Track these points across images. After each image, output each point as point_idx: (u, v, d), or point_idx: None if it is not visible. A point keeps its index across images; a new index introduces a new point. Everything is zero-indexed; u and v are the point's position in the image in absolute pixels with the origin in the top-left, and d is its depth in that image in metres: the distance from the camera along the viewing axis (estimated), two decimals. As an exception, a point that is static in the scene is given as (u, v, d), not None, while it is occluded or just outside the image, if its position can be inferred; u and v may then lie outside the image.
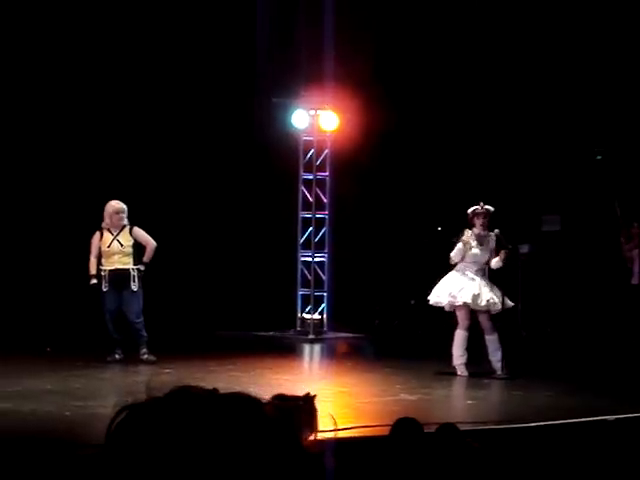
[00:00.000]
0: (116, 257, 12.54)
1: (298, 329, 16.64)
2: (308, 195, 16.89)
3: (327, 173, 16.87)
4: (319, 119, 16.67)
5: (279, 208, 16.67)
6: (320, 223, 16.90)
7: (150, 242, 12.62)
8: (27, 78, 15.70)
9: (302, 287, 16.92)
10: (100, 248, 12.58)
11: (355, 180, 16.31)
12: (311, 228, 16.83)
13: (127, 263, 12.54)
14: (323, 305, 16.79)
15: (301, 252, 16.94)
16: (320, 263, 16.91)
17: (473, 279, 12.10)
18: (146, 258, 12.58)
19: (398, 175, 16.84)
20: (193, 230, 16.28)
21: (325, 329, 16.64)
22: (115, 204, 12.65)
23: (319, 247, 16.87)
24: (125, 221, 12.64)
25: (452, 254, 12.16)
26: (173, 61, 16.27)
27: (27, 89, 15.71)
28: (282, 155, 16.63)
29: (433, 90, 16.57)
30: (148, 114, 16.14)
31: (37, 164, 15.82)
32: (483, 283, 12.10)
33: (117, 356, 12.52)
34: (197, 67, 16.41)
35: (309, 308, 16.75)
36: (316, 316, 16.72)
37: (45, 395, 10.03)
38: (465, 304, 12.00)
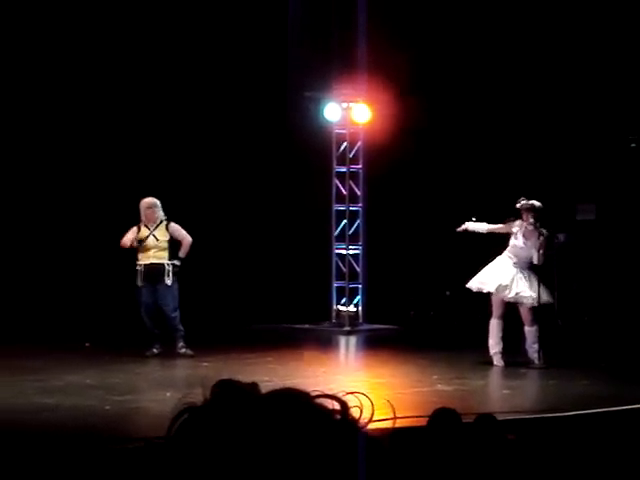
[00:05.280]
0: (151, 252, 12.64)
1: (333, 321, 16.68)
2: (342, 188, 16.91)
3: (360, 165, 16.88)
4: (351, 112, 16.69)
5: (313, 201, 16.68)
6: (354, 215, 16.92)
7: (186, 238, 12.72)
8: (65, 71, 15.82)
9: (337, 279, 16.96)
10: (135, 241, 12.68)
11: (388, 172, 16.30)
12: (345, 221, 16.85)
13: (162, 258, 12.64)
14: (358, 297, 16.82)
15: (335, 245, 16.97)
16: (354, 255, 16.94)
17: (509, 270, 12.06)
18: (182, 253, 12.67)
19: (431, 166, 16.81)
20: (229, 224, 16.34)
21: (360, 321, 16.66)
22: (147, 199, 12.79)
23: (353, 239, 16.89)
24: (161, 216, 12.74)
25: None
26: (207, 57, 16.32)
27: (70, 83, 15.82)
28: (315, 148, 16.65)
29: (466, 81, 16.53)
30: (185, 110, 16.21)
31: (75, 161, 15.93)
32: (520, 276, 12.05)
33: (155, 350, 12.62)
34: (230, 62, 16.45)
35: (344, 300, 16.79)
36: (351, 308, 16.75)
37: (85, 390, 10.14)
38: (490, 293, 12.03)
